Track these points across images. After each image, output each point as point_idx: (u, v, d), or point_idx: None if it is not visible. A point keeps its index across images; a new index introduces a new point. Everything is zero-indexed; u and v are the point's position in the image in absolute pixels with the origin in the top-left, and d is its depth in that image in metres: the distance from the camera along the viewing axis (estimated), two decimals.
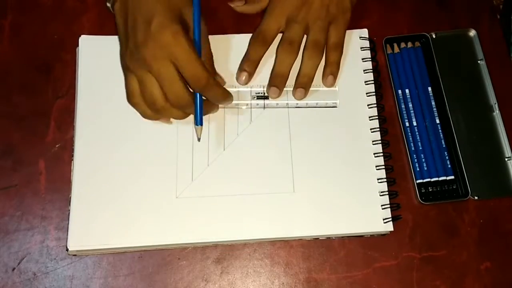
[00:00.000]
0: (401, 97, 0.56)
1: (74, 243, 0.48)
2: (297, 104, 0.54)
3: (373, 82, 0.55)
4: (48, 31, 0.57)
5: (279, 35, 0.55)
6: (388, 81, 0.57)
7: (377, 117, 0.54)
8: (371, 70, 0.56)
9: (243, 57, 0.54)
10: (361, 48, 0.57)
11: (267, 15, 0.54)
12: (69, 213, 0.49)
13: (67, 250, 0.48)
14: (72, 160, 0.51)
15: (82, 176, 0.50)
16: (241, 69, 0.53)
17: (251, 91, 0.54)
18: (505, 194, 0.53)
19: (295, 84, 0.53)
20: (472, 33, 0.59)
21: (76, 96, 0.53)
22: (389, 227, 0.50)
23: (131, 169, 0.51)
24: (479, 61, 0.58)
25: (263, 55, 0.54)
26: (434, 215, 0.52)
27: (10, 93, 0.54)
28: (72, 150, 0.51)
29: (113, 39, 0.55)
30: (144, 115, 0.50)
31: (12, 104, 0.54)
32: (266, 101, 0.53)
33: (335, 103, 0.54)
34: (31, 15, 0.58)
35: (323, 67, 0.54)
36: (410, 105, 0.56)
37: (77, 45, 0.55)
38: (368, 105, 0.55)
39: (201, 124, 0.49)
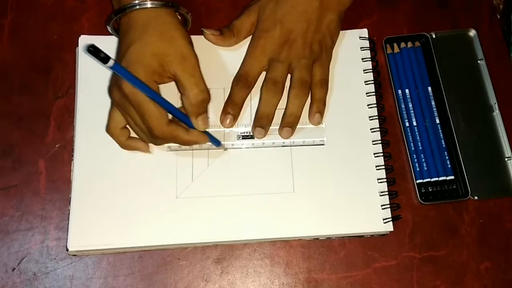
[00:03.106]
0: (401, 97, 0.56)
1: (74, 243, 0.48)
2: (283, 142, 0.52)
3: (373, 82, 0.55)
4: (48, 31, 0.57)
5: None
6: (388, 81, 0.57)
7: (377, 117, 0.54)
8: (371, 70, 0.56)
9: (226, 100, 0.52)
10: (361, 48, 0.57)
11: (248, 55, 0.53)
12: (69, 213, 0.49)
13: (67, 250, 0.48)
14: (72, 160, 0.51)
15: (82, 176, 0.50)
16: (225, 112, 0.52)
17: (237, 132, 0.53)
18: (505, 194, 0.53)
19: (281, 123, 0.52)
20: (472, 33, 0.59)
21: (76, 96, 0.53)
22: (389, 227, 0.50)
23: (131, 169, 0.51)
24: (479, 61, 0.58)
25: (246, 97, 0.53)
26: (434, 215, 0.52)
27: (10, 93, 0.54)
28: (72, 150, 0.51)
29: (113, 39, 0.55)
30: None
31: (12, 104, 0.54)
32: (252, 141, 0.52)
33: (323, 140, 0.53)
34: (31, 15, 0.58)
35: (309, 105, 0.53)
36: (410, 105, 0.56)
37: (77, 45, 0.55)
38: (368, 105, 0.55)
39: (219, 144, 0.51)
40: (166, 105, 0.46)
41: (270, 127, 0.52)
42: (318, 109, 0.52)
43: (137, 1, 0.48)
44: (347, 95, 0.55)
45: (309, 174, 0.52)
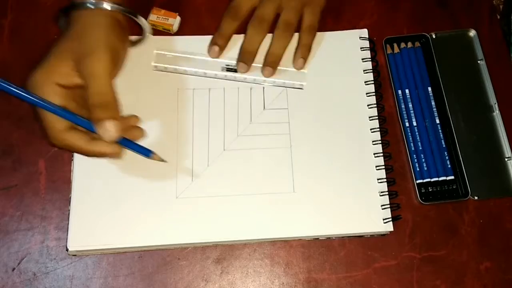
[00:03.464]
0: (401, 97, 0.56)
1: (74, 243, 0.48)
2: (264, 80, 0.54)
3: (373, 82, 0.55)
4: (48, 31, 0.57)
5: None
6: (388, 81, 0.57)
7: (377, 117, 0.54)
8: (371, 70, 0.56)
9: (216, 32, 0.55)
10: (361, 48, 0.57)
11: None
12: (69, 213, 0.49)
13: (67, 250, 0.48)
14: (72, 160, 0.51)
15: (82, 176, 0.50)
16: (212, 42, 0.54)
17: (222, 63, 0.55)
18: (505, 194, 0.53)
19: (264, 62, 0.54)
20: (472, 33, 0.59)
21: None
22: (389, 227, 0.50)
23: (131, 169, 0.51)
24: (479, 61, 0.58)
25: (234, 29, 0.54)
26: (434, 215, 0.52)
27: None
28: None
29: None
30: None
31: (12, 104, 0.54)
32: (235, 74, 0.54)
33: (302, 84, 0.55)
34: (31, 15, 0.58)
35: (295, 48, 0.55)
36: (410, 105, 0.56)
37: None
38: (368, 105, 0.55)
39: (149, 154, 0.47)
40: (59, 112, 0.42)
41: (254, 65, 0.54)
42: (303, 55, 0.54)
43: (78, 1, 0.45)
44: (347, 95, 0.55)
45: (309, 174, 0.52)
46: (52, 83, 0.43)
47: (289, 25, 0.53)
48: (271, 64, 0.54)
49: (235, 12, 0.54)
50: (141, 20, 0.50)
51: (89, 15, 0.45)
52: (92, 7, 0.45)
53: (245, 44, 0.54)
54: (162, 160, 0.48)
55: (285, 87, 0.54)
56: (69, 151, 0.46)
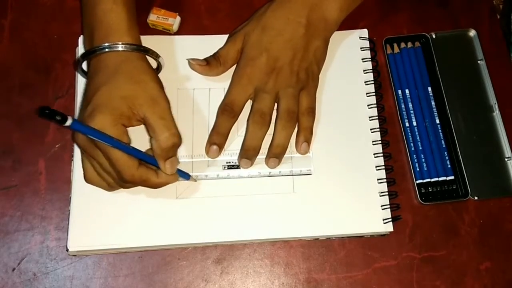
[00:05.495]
0: (401, 97, 0.56)
1: (74, 243, 0.48)
2: (270, 172, 0.52)
3: (373, 82, 0.55)
4: (48, 31, 0.57)
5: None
6: (388, 81, 0.57)
7: (377, 117, 0.54)
8: (371, 70, 0.56)
9: (212, 130, 0.52)
10: (361, 48, 0.57)
11: (234, 84, 0.52)
12: (69, 213, 0.49)
13: (67, 250, 0.48)
14: (72, 160, 0.51)
15: (82, 176, 0.50)
16: (210, 142, 0.51)
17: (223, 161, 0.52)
18: (505, 194, 0.53)
19: (268, 154, 0.51)
20: (472, 33, 0.59)
21: (76, 96, 0.53)
22: (389, 227, 0.50)
23: None
24: (479, 61, 0.58)
25: (231, 126, 0.51)
26: (434, 215, 0.52)
27: (10, 93, 0.54)
28: (72, 150, 0.51)
29: None
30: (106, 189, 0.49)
31: (12, 104, 0.54)
32: (238, 171, 0.51)
33: (310, 170, 0.52)
34: (31, 15, 0.57)
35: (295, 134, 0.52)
36: (410, 105, 0.56)
37: (77, 45, 0.55)
38: (368, 105, 0.54)
39: (188, 177, 0.50)
40: (132, 152, 0.45)
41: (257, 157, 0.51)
42: (305, 138, 0.51)
43: (107, 44, 0.46)
44: (347, 96, 0.55)
45: (309, 174, 0.52)
46: (120, 124, 0.45)
47: (291, 113, 0.50)
48: (277, 155, 0.51)
49: (231, 108, 0.51)
50: (157, 57, 0.50)
51: (126, 59, 0.47)
52: (125, 50, 0.47)
53: (248, 140, 0.50)
54: (195, 180, 0.51)
55: (293, 175, 0.51)
56: (135, 186, 0.47)
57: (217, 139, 0.51)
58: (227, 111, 0.51)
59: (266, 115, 0.50)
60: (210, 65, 0.53)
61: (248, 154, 0.51)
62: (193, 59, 0.54)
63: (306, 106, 0.51)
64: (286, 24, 0.51)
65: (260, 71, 0.51)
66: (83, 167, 0.48)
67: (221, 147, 0.51)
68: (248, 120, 0.51)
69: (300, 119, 0.52)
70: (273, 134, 0.51)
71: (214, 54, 0.54)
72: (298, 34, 0.51)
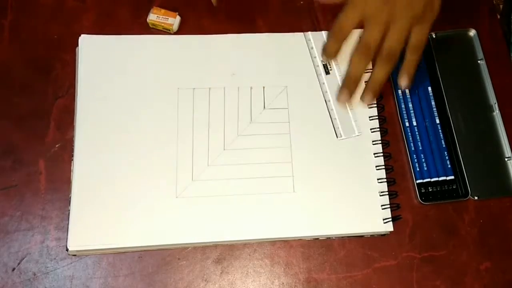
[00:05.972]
0: (401, 97, 0.56)
1: (74, 243, 0.48)
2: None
3: None
4: (48, 31, 0.57)
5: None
6: (388, 81, 0.57)
7: (377, 117, 0.54)
8: None
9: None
10: None
11: (349, 7, 0.50)
12: (69, 213, 0.49)
13: (67, 250, 0.48)
14: (72, 160, 0.51)
15: (82, 176, 0.50)
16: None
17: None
18: (505, 194, 0.53)
19: (365, 89, 0.50)
20: (472, 33, 0.59)
21: (76, 96, 0.53)
22: (389, 227, 0.50)
23: (131, 169, 0.51)
24: (479, 61, 0.58)
25: (339, 49, 0.50)
26: (434, 215, 0.52)
27: (10, 93, 0.54)
28: (72, 150, 0.51)
29: (113, 38, 0.55)
30: None
31: (12, 104, 0.54)
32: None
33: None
34: (31, 15, 0.57)
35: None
36: (410, 105, 0.56)
37: (77, 45, 0.55)
38: (368, 105, 0.54)
39: None
40: None
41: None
42: (408, 72, 0.50)
43: None
44: None
45: (309, 174, 0.52)
46: None
47: (394, 53, 0.49)
48: (373, 90, 0.50)
49: (341, 31, 0.50)
50: None
51: None
52: None
53: (351, 70, 0.50)
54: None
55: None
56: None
57: (326, 59, 0.50)
58: (337, 36, 0.50)
59: (371, 48, 0.49)
60: None
61: (349, 83, 0.50)
62: None
63: (414, 42, 0.50)
64: None
65: None
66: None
67: (333, 57, 0.51)
68: (353, 50, 0.50)
69: (407, 53, 0.51)
70: (373, 70, 0.50)
71: None
72: None
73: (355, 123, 0.54)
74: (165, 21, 0.55)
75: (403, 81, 0.51)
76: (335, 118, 0.54)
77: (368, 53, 0.49)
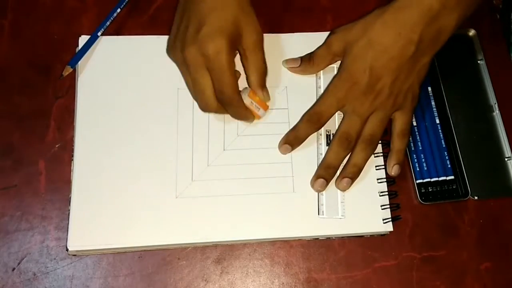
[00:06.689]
0: None
1: (74, 243, 0.48)
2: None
3: None
4: (48, 31, 0.57)
5: None
6: None
7: None
8: None
9: (290, 130, 0.52)
10: None
11: (329, 95, 0.50)
12: (69, 213, 0.49)
13: (67, 250, 0.48)
14: (72, 160, 0.51)
15: (82, 176, 0.50)
16: (285, 140, 0.51)
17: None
18: (505, 194, 0.53)
19: (342, 173, 0.50)
20: (472, 33, 0.59)
21: (76, 96, 0.53)
22: (389, 227, 0.50)
23: (131, 169, 0.51)
24: (479, 61, 0.58)
25: (310, 135, 0.51)
26: (434, 215, 0.52)
27: (10, 93, 0.54)
28: (72, 150, 0.51)
29: (113, 39, 0.55)
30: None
31: (12, 104, 0.54)
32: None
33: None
34: (31, 15, 0.58)
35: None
36: None
37: (77, 45, 0.55)
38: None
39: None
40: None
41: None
42: (398, 161, 0.50)
43: None
44: None
45: (309, 174, 0.52)
46: (235, 50, 0.48)
47: (374, 138, 0.50)
48: (352, 176, 0.49)
49: (317, 119, 0.50)
50: None
51: None
52: None
53: (329, 159, 0.50)
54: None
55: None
56: (220, 111, 0.50)
57: (294, 141, 0.51)
58: (313, 121, 0.50)
59: (352, 140, 0.49)
60: (303, 65, 0.54)
61: (327, 172, 0.50)
62: (287, 60, 0.55)
63: (400, 128, 0.50)
64: (395, 41, 0.47)
65: (360, 91, 0.49)
66: (199, 82, 0.47)
67: (293, 148, 0.51)
68: (333, 139, 0.50)
69: (393, 140, 0.51)
70: (352, 154, 0.50)
71: (309, 54, 0.54)
72: (406, 53, 0.47)
73: (341, 204, 0.51)
74: (256, 110, 0.52)
75: (394, 170, 0.51)
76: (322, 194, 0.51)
77: (349, 144, 0.50)
